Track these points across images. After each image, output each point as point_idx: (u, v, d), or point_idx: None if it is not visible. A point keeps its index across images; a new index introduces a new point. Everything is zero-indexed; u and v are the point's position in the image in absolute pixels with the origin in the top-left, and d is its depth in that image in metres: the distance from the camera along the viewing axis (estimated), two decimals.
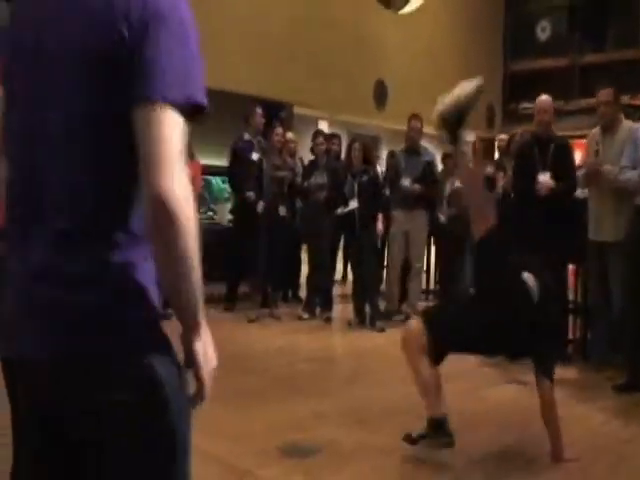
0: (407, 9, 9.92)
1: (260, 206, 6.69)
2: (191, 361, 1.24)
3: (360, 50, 10.16)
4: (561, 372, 4.71)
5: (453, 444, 3.09)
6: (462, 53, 11.64)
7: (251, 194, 6.77)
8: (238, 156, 6.97)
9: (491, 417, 3.81)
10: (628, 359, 4.40)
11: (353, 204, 6.28)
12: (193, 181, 6.09)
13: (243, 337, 5.98)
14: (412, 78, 10.54)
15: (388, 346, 5.42)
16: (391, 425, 3.59)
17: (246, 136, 7.02)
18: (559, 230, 4.81)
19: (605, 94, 4.67)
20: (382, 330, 6.21)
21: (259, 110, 7.08)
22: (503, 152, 7.18)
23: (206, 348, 1.26)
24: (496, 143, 7.63)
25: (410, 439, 3.17)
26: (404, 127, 6.80)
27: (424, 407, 3.16)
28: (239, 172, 6.93)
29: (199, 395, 1.27)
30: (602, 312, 4.74)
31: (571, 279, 5.67)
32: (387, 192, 6.84)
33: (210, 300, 7.13)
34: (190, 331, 1.23)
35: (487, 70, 11.93)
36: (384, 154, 9.14)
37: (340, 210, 6.33)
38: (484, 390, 4.29)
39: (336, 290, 7.80)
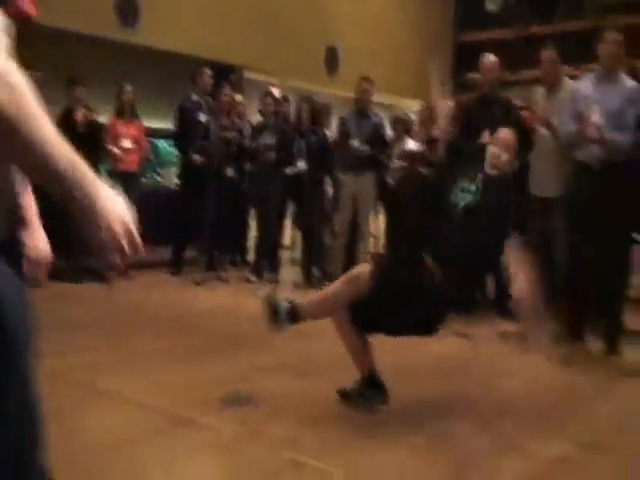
0: None
1: (198, 158, 6.60)
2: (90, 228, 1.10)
3: (313, 17, 10.05)
4: (504, 326, 4.88)
5: (387, 401, 3.12)
6: (413, 23, 11.62)
7: (197, 157, 6.68)
8: (185, 117, 6.86)
9: (432, 369, 3.85)
10: (567, 310, 4.50)
11: (301, 165, 6.25)
12: (137, 142, 5.98)
13: (189, 299, 5.93)
14: (364, 46, 10.49)
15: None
16: (333, 377, 3.58)
17: (193, 97, 6.90)
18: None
19: (549, 53, 4.74)
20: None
21: (207, 70, 6.97)
22: (451, 118, 7.20)
23: (105, 206, 1.11)
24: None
25: (343, 393, 3.19)
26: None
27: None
28: (185, 133, 6.84)
29: (110, 248, 1.13)
30: (543, 267, 4.82)
31: None
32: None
33: (158, 264, 7.04)
34: (73, 202, 1.08)
35: (437, 40, 11.96)
36: (335, 122, 9.12)
37: (289, 170, 6.29)
38: (424, 344, 4.30)
39: (285, 255, 7.79)
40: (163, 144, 8.55)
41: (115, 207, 1.13)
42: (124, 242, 1.13)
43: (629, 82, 4.20)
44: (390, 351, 3.54)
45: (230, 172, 6.64)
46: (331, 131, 7.80)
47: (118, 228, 1.12)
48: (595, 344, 4.37)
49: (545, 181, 4.77)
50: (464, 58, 11.58)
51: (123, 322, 4.93)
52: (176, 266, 6.86)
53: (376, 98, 7.16)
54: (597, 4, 9.78)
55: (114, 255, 1.13)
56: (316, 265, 6.51)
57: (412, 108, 9.88)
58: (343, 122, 6.84)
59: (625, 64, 4.32)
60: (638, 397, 3.51)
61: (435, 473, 2.50)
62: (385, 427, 2.97)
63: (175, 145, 7.41)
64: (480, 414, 3.14)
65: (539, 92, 4.89)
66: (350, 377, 3.26)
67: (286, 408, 3.16)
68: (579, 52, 4.92)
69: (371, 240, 7.46)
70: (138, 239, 1.15)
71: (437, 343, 4.01)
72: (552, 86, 4.76)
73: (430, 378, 3.69)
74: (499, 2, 11.56)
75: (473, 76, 7.74)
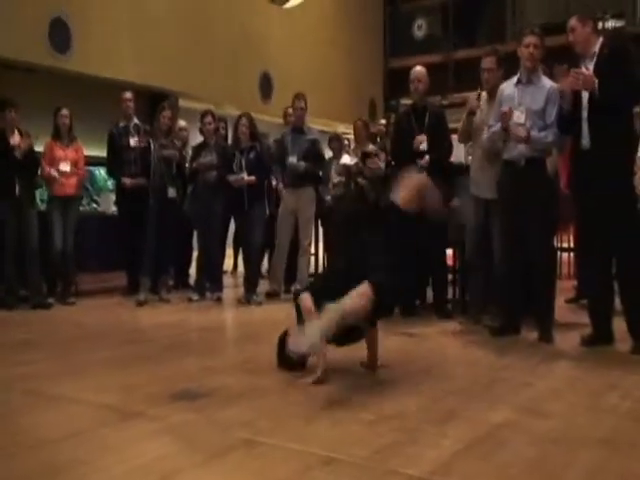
0: (291, 3, 10.14)
1: (143, 181, 6.72)
2: None
3: (246, 43, 10.25)
4: (444, 326, 5.03)
5: None
6: (345, 49, 11.97)
7: (126, 180, 6.82)
8: (113, 143, 7.01)
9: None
10: (502, 305, 4.68)
11: (244, 175, 6.32)
12: (76, 165, 5.97)
13: (132, 317, 5.89)
14: (297, 72, 10.73)
15: (279, 315, 5.54)
16: (280, 372, 3.68)
17: (121, 122, 7.03)
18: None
19: (489, 61, 4.96)
20: (259, 304, 6.33)
21: (127, 94, 7.08)
22: (383, 134, 7.48)
23: None
24: (377, 128, 7.93)
25: None
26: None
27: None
28: (115, 159, 6.96)
29: None
30: (478, 267, 5.01)
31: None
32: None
33: (102, 290, 7.01)
34: None
35: (368, 66, 12.36)
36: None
37: (233, 177, 6.31)
38: None
39: (227, 279, 7.80)
40: (99, 171, 8.49)
41: None
42: None
43: (548, 82, 4.48)
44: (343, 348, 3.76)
45: (172, 193, 6.63)
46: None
47: None
48: (530, 335, 4.57)
49: (484, 183, 4.93)
50: (395, 83, 12.03)
51: (66, 339, 4.88)
52: (131, 290, 6.83)
53: (310, 122, 7.34)
54: (518, 27, 10.32)
55: None
56: (247, 272, 6.60)
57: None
58: (281, 139, 6.98)
59: (544, 68, 4.60)
60: (572, 376, 3.68)
61: (383, 442, 2.58)
62: (337, 409, 3.04)
63: (107, 172, 7.49)
64: (423, 394, 3.25)
65: (482, 97, 5.09)
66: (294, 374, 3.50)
67: (237, 399, 3.20)
68: (504, 73, 5.13)
69: (312, 260, 7.55)
70: None
71: (383, 341, 4.12)
72: (493, 93, 4.85)
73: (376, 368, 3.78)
74: (425, 29, 12.06)
75: (404, 101, 8.04)
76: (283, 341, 3.63)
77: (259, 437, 2.63)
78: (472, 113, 4.98)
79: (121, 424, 2.86)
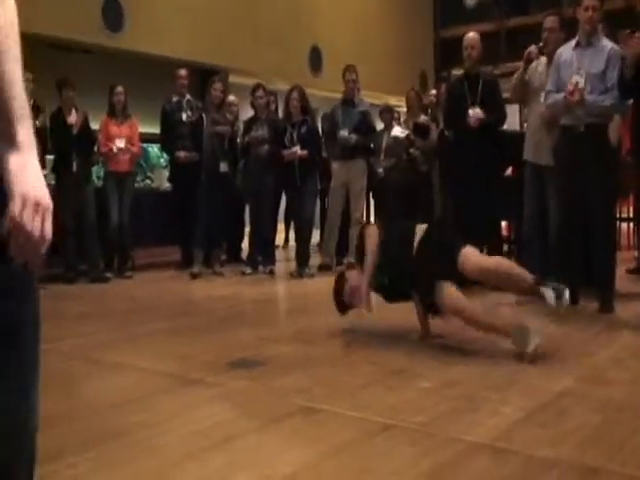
0: None
1: (196, 156, 6.74)
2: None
3: (296, 18, 10.20)
4: (499, 297, 4.93)
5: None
6: (395, 21, 11.81)
7: (181, 153, 6.81)
8: (166, 118, 7.05)
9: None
10: (560, 274, 4.56)
11: (297, 149, 6.30)
12: (131, 141, 6.03)
13: (187, 290, 6.00)
14: (347, 45, 10.64)
15: (331, 287, 5.52)
16: (334, 342, 3.72)
17: (174, 98, 7.08)
18: (491, 160, 4.98)
19: (550, 21, 4.84)
20: (312, 277, 6.35)
21: (182, 72, 7.10)
22: (434, 105, 7.36)
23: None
24: (428, 99, 7.80)
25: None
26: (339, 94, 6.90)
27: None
28: (168, 134, 7.01)
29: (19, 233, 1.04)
30: (536, 233, 4.88)
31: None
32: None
33: (157, 264, 7.14)
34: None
35: (419, 37, 12.16)
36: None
37: (286, 152, 6.29)
38: None
39: (279, 253, 7.85)
40: (153, 147, 8.61)
41: (35, 189, 1.06)
42: (33, 227, 1.05)
43: (609, 43, 4.31)
44: (388, 318, 3.85)
45: (224, 167, 6.66)
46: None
47: (30, 212, 1.05)
48: (589, 305, 4.46)
49: (540, 149, 4.80)
50: (446, 54, 11.83)
51: (123, 310, 5.00)
52: (185, 264, 6.92)
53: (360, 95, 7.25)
54: None
55: (23, 242, 1.05)
56: (298, 246, 6.61)
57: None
58: (331, 113, 6.93)
59: (604, 28, 4.43)
60: (635, 345, 3.59)
61: (441, 409, 2.56)
62: (392, 377, 3.03)
63: (161, 147, 7.56)
64: (480, 363, 3.21)
65: (541, 61, 4.95)
66: (350, 342, 3.59)
67: (293, 367, 3.22)
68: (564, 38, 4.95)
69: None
70: (47, 230, 1.08)
71: None
72: (552, 52, 4.66)
73: (430, 338, 3.75)
74: None
75: (455, 72, 7.84)
76: (340, 285, 3.86)
77: (316, 404, 2.65)
78: (529, 61, 4.84)
79: (181, 390, 2.92)
